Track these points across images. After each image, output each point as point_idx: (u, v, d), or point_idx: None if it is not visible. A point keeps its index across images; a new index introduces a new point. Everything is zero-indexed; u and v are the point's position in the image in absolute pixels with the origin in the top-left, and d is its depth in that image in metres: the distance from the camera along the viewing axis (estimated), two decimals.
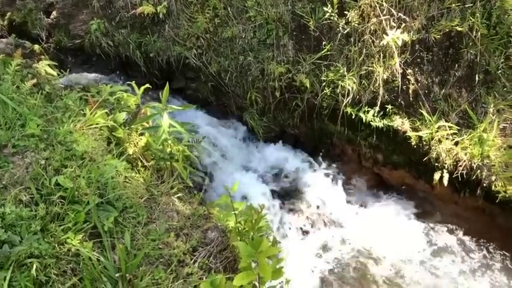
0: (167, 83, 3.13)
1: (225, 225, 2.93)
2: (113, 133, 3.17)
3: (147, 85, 3.85)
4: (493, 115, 4.73)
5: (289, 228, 5.05)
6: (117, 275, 2.33)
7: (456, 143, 4.84)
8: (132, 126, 3.32)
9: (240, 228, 2.84)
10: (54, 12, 6.83)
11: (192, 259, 2.71)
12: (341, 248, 4.95)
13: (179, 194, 3.06)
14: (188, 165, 3.57)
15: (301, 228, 5.10)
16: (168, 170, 3.15)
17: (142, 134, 3.38)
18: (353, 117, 5.26)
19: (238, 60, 5.55)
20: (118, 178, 2.78)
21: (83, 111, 3.41)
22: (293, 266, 4.62)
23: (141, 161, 3.18)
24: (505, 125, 4.74)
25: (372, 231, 5.05)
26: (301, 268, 4.67)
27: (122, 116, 3.29)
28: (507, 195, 4.55)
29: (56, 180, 2.54)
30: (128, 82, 4.01)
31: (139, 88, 3.88)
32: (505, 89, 4.80)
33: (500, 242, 4.84)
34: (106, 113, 3.42)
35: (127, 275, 2.35)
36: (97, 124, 3.17)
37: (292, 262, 4.68)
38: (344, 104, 5.22)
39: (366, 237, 5.02)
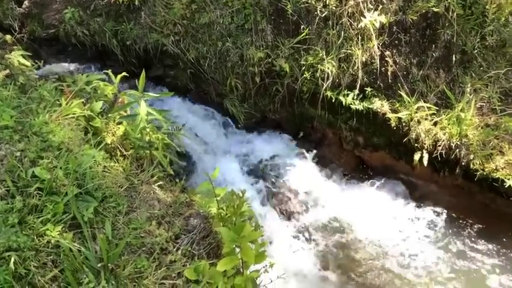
0: (143, 71, 3.08)
1: (207, 212, 2.93)
2: (90, 123, 3.12)
3: (124, 73, 3.78)
4: (470, 94, 4.80)
5: (273, 212, 5.07)
6: (99, 265, 2.31)
7: (435, 123, 4.90)
8: (109, 115, 3.27)
9: (222, 214, 2.84)
10: (26, 2, 6.66)
11: (174, 247, 2.70)
12: (324, 229, 5.00)
13: (160, 182, 3.03)
14: (169, 153, 3.54)
15: (284, 211, 5.13)
16: (148, 158, 3.12)
17: (120, 123, 3.33)
18: (333, 100, 5.27)
19: (216, 46, 5.50)
20: (96, 168, 2.74)
21: (58, 101, 3.34)
22: (278, 249, 4.67)
23: (120, 150, 3.14)
24: (482, 104, 4.82)
25: (354, 212, 5.11)
26: (285, 250, 4.71)
27: (99, 105, 3.23)
28: (485, 173, 4.65)
29: (33, 171, 2.49)
30: (104, 71, 3.94)
31: (116, 77, 3.82)
32: (481, 68, 4.86)
33: (478, 218, 4.95)
34: (83, 102, 3.36)
35: (109, 264, 2.33)
36: (74, 114, 3.12)
37: (276, 245, 4.74)
38: (324, 87, 5.22)
39: (348, 218, 5.08)
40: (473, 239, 4.81)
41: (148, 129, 3.09)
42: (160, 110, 3.20)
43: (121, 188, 2.79)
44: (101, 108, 3.34)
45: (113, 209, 2.64)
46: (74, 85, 3.65)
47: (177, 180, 3.27)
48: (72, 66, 6.27)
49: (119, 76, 3.78)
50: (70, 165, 2.60)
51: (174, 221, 2.80)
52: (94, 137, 3.07)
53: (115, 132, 3.23)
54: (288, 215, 5.12)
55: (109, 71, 3.87)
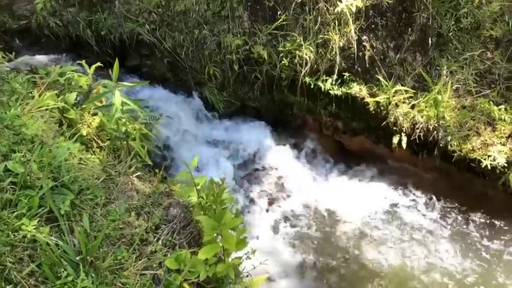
0: (117, 60, 3.03)
1: (187, 201, 2.91)
2: (64, 115, 3.06)
3: (98, 63, 3.71)
4: (447, 77, 4.85)
5: (255, 199, 5.08)
6: (78, 258, 2.27)
7: (412, 107, 4.95)
8: (83, 106, 3.21)
9: (202, 203, 2.83)
10: None
11: (155, 237, 2.67)
12: (307, 214, 5.04)
13: (139, 173, 2.99)
14: (147, 144, 3.50)
15: (266, 198, 5.14)
16: (125, 149, 3.08)
17: (95, 114, 3.27)
18: (312, 86, 5.27)
19: (193, 34, 5.43)
20: (72, 160, 2.69)
21: (31, 93, 3.26)
22: (260, 236, 4.69)
23: (96, 142, 3.09)
24: (458, 86, 4.88)
25: (335, 197, 5.16)
26: (268, 237, 4.73)
27: (73, 97, 3.17)
28: (462, 154, 4.73)
29: (5, 165, 2.43)
30: (78, 61, 3.86)
31: (90, 67, 3.74)
32: (456, 50, 4.91)
33: (456, 198, 5.04)
34: (56, 94, 3.28)
35: (88, 257, 2.30)
36: (47, 106, 3.04)
37: (259, 232, 4.76)
38: (303, 74, 5.22)
39: (329, 203, 5.12)
40: (451, 220, 4.90)
41: (123, 120, 3.04)
42: (135, 100, 3.15)
43: (98, 179, 2.74)
44: (75, 100, 3.27)
45: (90, 201, 2.59)
46: (47, 77, 3.56)
47: (156, 170, 3.23)
48: (46, 58, 6.12)
49: (93, 66, 3.70)
50: (44, 158, 2.54)
51: (154, 211, 2.77)
52: (69, 129, 3.01)
53: (91, 123, 3.17)
54: (269, 202, 5.13)
55: (83, 62, 3.79)
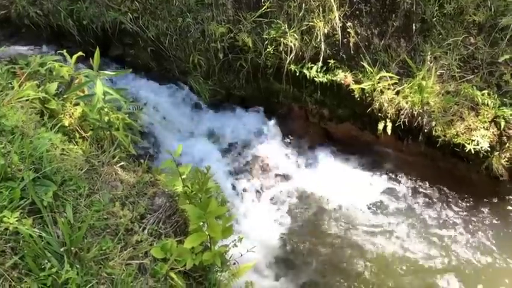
0: (97, 48, 2.97)
1: (172, 190, 2.89)
2: (45, 105, 3.00)
3: (80, 53, 3.64)
4: (431, 62, 4.87)
5: (242, 187, 5.08)
6: (62, 249, 2.25)
7: (397, 93, 4.97)
8: (65, 96, 3.15)
9: (187, 192, 2.81)
10: None
11: (140, 227, 2.66)
12: (294, 201, 5.06)
13: (122, 163, 2.96)
14: (131, 134, 3.46)
15: (253, 186, 5.14)
16: (108, 139, 3.04)
17: (77, 104, 3.22)
18: (297, 74, 5.26)
19: (176, 23, 5.37)
20: (54, 151, 2.65)
21: (11, 84, 3.19)
22: (249, 223, 4.70)
23: (79, 132, 3.04)
24: (442, 71, 4.91)
25: (322, 184, 5.18)
26: (256, 224, 4.74)
27: (54, 87, 3.11)
28: (446, 139, 4.78)
29: None
30: (59, 51, 3.78)
31: (72, 57, 3.67)
32: (440, 36, 4.94)
33: (441, 183, 5.09)
34: (37, 84, 3.22)
35: (72, 248, 2.27)
36: (28, 97, 2.99)
37: (247, 219, 4.77)
38: (288, 61, 5.20)
39: (317, 190, 5.15)
40: (436, 205, 4.95)
41: (106, 109, 3.00)
42: (117, 89, 3.11)
43: (81, 170, 2.71)
44: (56, 90, 3.21)
45: (73, 192, 2.56)
46: (27, 67, 3.49)
47: (141, 160, 3.20)
48: (26, 49, 6.00)
49: (74, 56, 3.64)
50: (25, 149, 2.49)
51: (138, 201, 2.75)
52: (50, 119, 2.96)
53: (73, 113, 3.12)
54: (256, 189, 5.14)
55: (64, 51, 3.72)
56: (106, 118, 3.06)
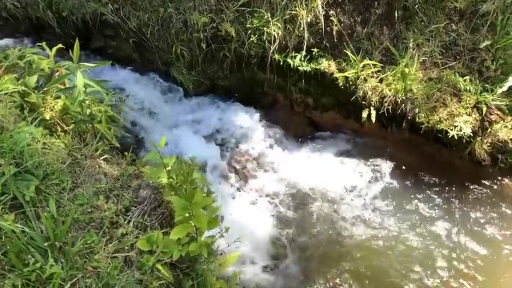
0: (77, 39, 2.92)
1: (157, 182, 2.87)
2: (25, 99, 2.94)
3: (60, 45, 3.56)
4: (413, 50, 4.91)
5: (227, 178, 5.07)
6: (45, 244, 2.22)
7: (381, 80, 5.00)
8: (45, 89, 3.10)
9: (172, 183, 2.80)
10: None
11: (125, 219, 2.64)
12: (280, 191, 5.07)
13: (106, 156, 2.93)
14: (114, 126, 3.42)
15: (240, 176, 5.14)
16: (91, 132, 3.00)
17: (58, 97, 3.17)
18: (281, 63, 5.25)
19: (158, 13, 5.30)
20: (35, 145, 2.60)
21: None
22: (235, 213, 4.70)
23: (60, 126, 2.99)
24: (425, 58, 4.95)
25: (308, 173, 5.20)
26: (243, 214, 4.75)
27: (33, 80, 3.05)
28: (430, 125, 4.82)
29: None
30: (38, 44, 3.70)
31: (52, 50, 3.60)
32: (422, 23, 4.97)
33: (425, 169, 5.15)
34: (16, 77, 3.15)
35: (56, 243, 2.25)
36: (6, 90, 2.92)
37: (234, 209, 4.77)
38: (271, 50, 5.18)
39: (302, 179, 5.17)
40: (421, 191, 5.01)
41: (87, 102, 2.95)
42: (98, 81, 3.06)
43: (64, 164, 2.67)
44: (36, 83, 3.15)
45: (56, 186, 2.53)
46: (5, 60, 3.41)
47: (125, 153, 3.17)
48: (4, 42, 5.87)
49: (54, 48, 3.56)
50: (5, 143, 2.45)
51: (123, 193, 2.73)
52: (31, 113, 2.90)
53: (54, 107, 3.07)
54: (242, 179, 5.14)
55: (43, 43, 3.64)
56: (88, 111, 3.01)
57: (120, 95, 4.56)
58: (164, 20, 5.34)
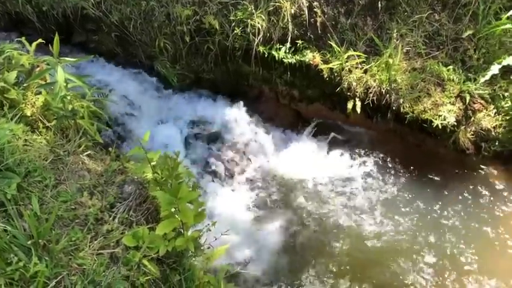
0: (57, 34, 2.87)
1: (142, 178, 2.84)
2: (5, 95, 2.88)
3: (40, 40, 3.49)
4: (397, 40, 4.93)
5: (214, 171, 5.06)
6: (29, 242, 2.19)
7: (365, 71, 5.01)
8: (25, 85, 3.04)
9: (157, 178, 2.77)
10: None
11: (110, 216, 2.61)
12: (267, 183, 5.08)
13: (89, 152, 2.89)
14: (98, 121, 3.38)
15: (227, 170, 5.13)
16: (73, 128, 2.96)
17: (39, 93, 3.11)
18: (266, 55, 5.22)
19: (140, 6, 5.22)
20: (16, 142, 2.56)
21: None
22: (223, 207, 4.70)
23: (42, 122, 2.94)
24: (408, 48, 4.97)
25: (295, 164, 5.21)
26: (230, 207, 4.75)
27: (13, 76, 2.98)
28: (414, 115, 4.86)
29: None
30: (17, 39, 3.63)
31: (33, 46, 3.53)
32: (405, 13, 4.98)
33: (410, 159, 5.19)
34: None
35: (40, 240, 2.22)
36: None
37: (221, 203, 4.77)
38: (256, 43, 5.15)
39: (289, 171, 5.19)
40: (407, 180, 5.05)
41: (69, 97, 2.91)
42: (80, 76, 3.01)
43: (46, 161, 2.63)
44: (16, 79, 3.08)
45: (39, 184, 2.49)
46: None
47: (109, 148, 3.13)
48: None
49: (34, 44, 3.49)
50: None
51: (107, 189, 2.70)
52: (11, 110, 2.84)
53: (35, 103, 3.01)
54: (229, 173, 5.13)
55: (23, 39, 3.57)
56: (70, 106, 2.96)
57: (103, 90, 4.50)
58: (147, 13, 5.27)
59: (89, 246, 2.38)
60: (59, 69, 2.77)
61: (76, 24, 5.64)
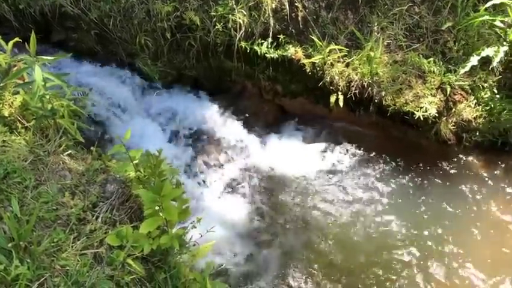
0: (33, 32, 2.81)
1: (124, 176, 2.82)
2: None
3: (16, 39, 3.42)
4: (378, 33, 4.96)
5: (198, 168, 5.03)
6: (10, 244, 2.16)
7: (347, 65, 5.03)
8: (2, 85, 2.98)
9: (140, 176, 2.75)
10: None
11: (93, 215, 2.59)
12: (252, 179, 5.06)
13: (70, 151, 2.85)
14: (78, 120, 3.33)
15: (210, 166, 5.11)
16: (53, 128, 2.91)
17: (17, 93, 3.05)
18: (248, 51, 5.20)
19: (120, 3, 5.14)
20: None
21: None
22: (208, 204, 4.69)
23: (21, 122, 2.89)
24: (389, 41, 5.01)
25: (280, 159, 5.22)
26: (215, 204, 4.74)
27: None
28: (396, 108, 4.90)
29: None
30: None
31: (10, 45, 3.45)
32: (386, 6, 5.02)
33: (393, 151, 5.23)
34: None
35: (21, 243, 2.19)
36: None
37: (207, 200, 4.75)
38: (238, 38, 5.13)
39: (274, 166, 5.19)
40: (390, 172, 5.09)
41: (48, 96, 2.86)
42: (58, 74, 2.96)
43: (26, 161, 2.59)
44: None
45: (18, 185, 2.45)
46: None
47: (91, 147, 3.09)
48: None
49: (10, 43, 3.42)
50: None
51: (89, 189, 2.67)
52: None
53: (12, 103, 2.96)
54: (213, 169, 5.10)
55: None
56: (49, 106, 2.91)
57: (83, 88, 4.43)
58: (127, 10, 5.20)
59: (72, 246, 2.35)
60: (36, 68, 2.72)
61: (54, 23, 5.53)
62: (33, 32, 2.81)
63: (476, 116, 4.88)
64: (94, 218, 2.57)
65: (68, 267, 2.25)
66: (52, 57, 2.98)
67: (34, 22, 5.55)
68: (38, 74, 2.69)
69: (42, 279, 2.14)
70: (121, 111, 5.04)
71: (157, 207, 2.53)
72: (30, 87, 2.88)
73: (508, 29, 4.74)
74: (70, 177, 2.66)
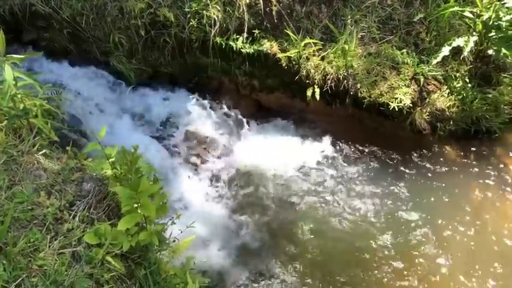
0: (1, 30, 2.76)
1: (101, 174, 2.79)
2: None
3: None
4: (352, 26, 5.02)
5: (177, 165, 5.02)
6: None
7: (322, 58, 5.08)
8: None
9: (117, 174, 2.73)
10: None
11: (70, 214, 2.55)
12: (232, 175, 5.08)
13: (45, 151, 2.81)
14: (53, 120, 3.28)
15: (189, 163, 5.10)
16: (26, 127, 2.87)
17: None
18: (224, 46, 5.21)
19: (92, 1, 5.08)
20: None
21: None
22: (187, 200, 4.68)
23: None
24: (363, 34, 5.07)
25: (258, 154, 5.23)
26: (197, 201, 4.73)
27: None
28: (371, 99, 4.96)
29: None
30: None
31: None
32: None
33: (371, 142, 5.31)
34: None
35: None
36: None
37: (188, 197, 4.74)
38: (213, 34, 5.13)
39: (253, 161, 5.20)
40: (367, 163, 5.16)
41: (20, 96, 2.81)
42: (30, 73, 2.92)
43: None
44: None
45: None
46: None
47: (66, 147, 3.05)
48: None
49: None
50: None
51: (66, 188, 2.64)
52: None
53: None
54: (192, 166, 5.09)
55: None
56: (21, 105, 2.87)
57: (56, 88, 4.36)
58: (99, 8, 5.13)
59: (49, 246, 2.32)
60: (6, 67, 2.67)
61: (25, 22, 5.43)
62: (1, 30, 2.75)
63: (450, 105, 4.98)
64: (71, 217, 2.53)
65: (46, 267, 2.22)
66: (22, 56, 2.93)
67: (4, 22, 5.43)
68: (9, 73, 2.64)
69: (19, 280, 2.11)
70: (96, 109, 4.98)
71: (134, 204, 2.51)
72: (1, 87, 2.82)
73: (477, 19, 4.85)
74: (45, 176, 2.62)
